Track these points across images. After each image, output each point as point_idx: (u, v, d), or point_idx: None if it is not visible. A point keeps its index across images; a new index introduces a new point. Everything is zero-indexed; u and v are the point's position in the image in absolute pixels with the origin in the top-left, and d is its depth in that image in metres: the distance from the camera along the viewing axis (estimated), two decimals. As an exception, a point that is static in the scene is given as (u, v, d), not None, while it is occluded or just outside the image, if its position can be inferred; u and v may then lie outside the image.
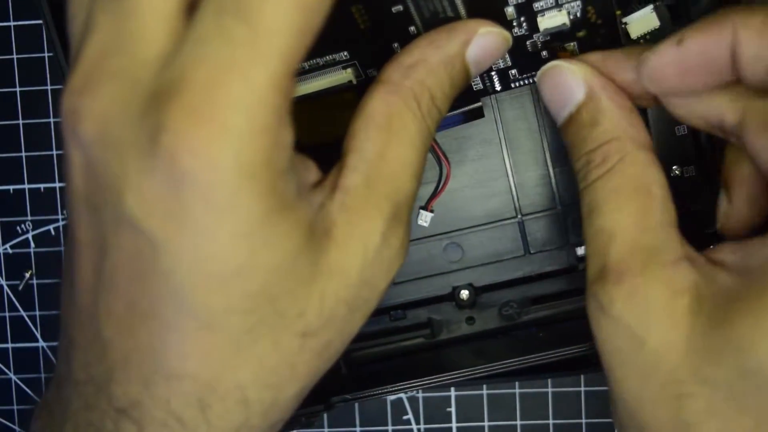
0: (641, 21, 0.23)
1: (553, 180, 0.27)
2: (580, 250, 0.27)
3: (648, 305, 0.18)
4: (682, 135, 0.26)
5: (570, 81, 0.20)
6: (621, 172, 0.19)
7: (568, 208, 0.27)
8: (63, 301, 0.19)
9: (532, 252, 0.27)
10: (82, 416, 0.18)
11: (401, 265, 0.19)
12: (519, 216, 0.27)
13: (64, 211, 0.37)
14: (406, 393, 0.35)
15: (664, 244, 0.18)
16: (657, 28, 0.24)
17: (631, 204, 0.19)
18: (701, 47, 0.18)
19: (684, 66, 0.18)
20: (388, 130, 0.19)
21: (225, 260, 0.16)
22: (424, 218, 0.27)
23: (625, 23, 0.23)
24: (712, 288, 0.17)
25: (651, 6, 0.23)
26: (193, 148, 0.15)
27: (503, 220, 0.27)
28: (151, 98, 0.15)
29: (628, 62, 0.20)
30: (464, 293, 0.27)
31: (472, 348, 0.27)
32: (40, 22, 0.36)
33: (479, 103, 0.25)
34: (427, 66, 0.19)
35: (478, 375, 0.25)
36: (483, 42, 0.20)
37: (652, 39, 0.23)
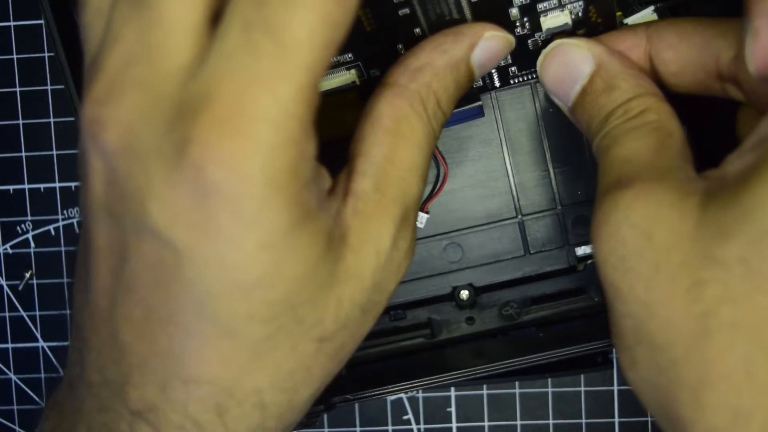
0: (642, 20, 0.23)
1: (553, 180, 0.27)
2: (580, 251, 0.27)
3: (657, 204, 0.17)
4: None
5: (576, 55, 0.20)
6: (642, 117, 0.19)
7: (568, 209, 0.27)
8: (76, 304, 0.19)
9: (532, 252, 0.27)
10: (96, 418, 0.18)
11: (408, 266, 0.20)
12: (519, 216, 0.27)
13: (64, 212, 0.37)
14: (406, 393, 0.35)
15: (679, 168, 0.18)
16: None
17: (650, 138, 0.18)
18: None
19: None
20: (396, 134, 0.19)
21: (249, 269, 0.16)
22: (420, 220, 0.27)
23: (626, 23, 0.23)
24: (724, 183, 0.16)
25: (652, 7, 0.23)
26: (222, 161, 0.15)
27: (503, 221, 0.27)
28: (177, 110, 0.15)
29: (629, 39, 0.20)
30: (464, 293, 0.27)
31: (472, 348, 0.27)
32: (40, 22, 0.36)
33: (479, 102, 0.25)
34: (433, 69, 0.20)
35: (477, 375, 0.25)
36: (488, 45, 0.20)
37: None
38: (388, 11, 0.21)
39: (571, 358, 0.25)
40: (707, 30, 0.20)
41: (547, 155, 0.27)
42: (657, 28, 0.20)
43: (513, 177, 0.27)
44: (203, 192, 0.15)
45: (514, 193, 0.27)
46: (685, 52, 0.20)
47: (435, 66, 0.20)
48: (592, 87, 0.20)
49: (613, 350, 0.32)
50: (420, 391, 0.36)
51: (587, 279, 0.27)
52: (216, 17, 0.16)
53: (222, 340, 0.17)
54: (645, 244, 0.17)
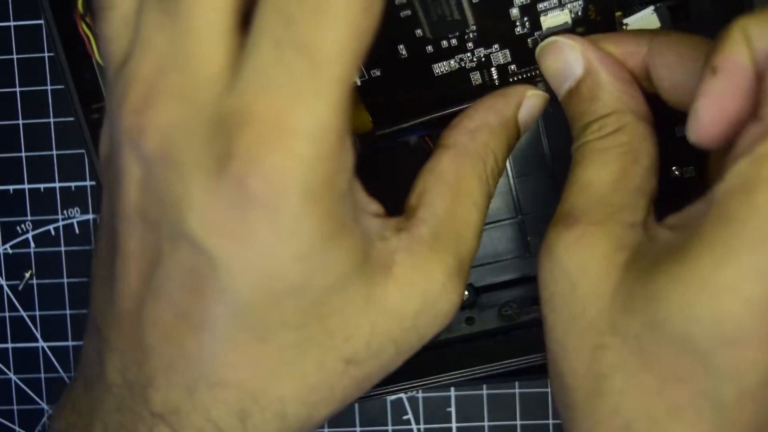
0: (642, 22, 0.23)
1: (553, 179, 0.27)
2: None
3: (589, 253, 0.18)
4: (681, 136, 0.26)
5: (569, 56, 0.21)
6: (614, 138, 0.20)
7: None
8: (96, 305, 0.19)
9: (532, 252, 0.27)
10: (114, 418, 0.18)
11: (451, 321, 0.20)
12: (519, 216, 0.27)
13: (64, 212, 0.37)
14: (405, 393, 0.35)
15: (630, 207, 0.19)
16: (658, 28, 0.24)
17: (614, 164, 0.19)
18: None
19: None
20: (457, 191, 0.20)
21: (284, 278, 0.16)
22: None
23: (626, 24, 0.23)
24: (653, 247, 0.18)
25: (652, 7, 0.23)
26: (264, 175, 0.15)
27: (504, 220, 0.27)
28: (217, 122, 0.16)
29: (631, 44, 0.21)
30: (464, 293, 0.27)
31: (471, 348, 0.27)
32: (40, 22, 0.36)
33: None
34: (490, 129, 0.21)
35: (477, 375, 0.25)
36: (530, 104, 0.22)
37: None
38: (389, 12, 0.21)
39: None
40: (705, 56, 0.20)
41: (547, 153, 0.27)
42: (659, 42, 0.20)
43: (513, 177, 0.27)
44: (243, 204, 0.15)
45: (514, 193, 0.27)
46: (680, 77, 0.20)
47: (491, 126, 0.21)
48: (578, 91, 0.21)
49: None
50: (420, 391, 0.36)
51: None
52: (244, 20, 0.16)
53: (252, 345, 0.17)
54: (570, 293, 0.18)
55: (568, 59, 0.21)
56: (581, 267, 0.18)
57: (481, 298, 0.28)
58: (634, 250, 0.18)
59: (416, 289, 0.18)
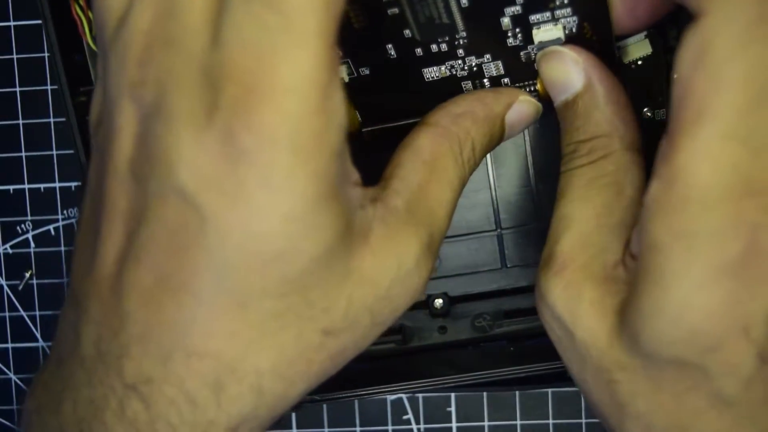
0: (635, 47, 0.23)
1: (534, 196, 0.27)
2: None
3: (578, 302, 0.19)
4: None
5: (570, 68, 0.21)
6: (600, 167, 0.20)
7: (548, 225, 0.27)
8: (77, 274, 0.19)
9: (508, 266, 0.27)
10: (83, 393, 0.17)
11: (420, 295, 0.20)
12: (498, 229, 0.27)
13: (64, 212, 0.37)
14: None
15: (614, 245, 0.19)
16: (650, 54, 0.24)
17: (597, 198, 0.20)
18: None
19: None
20: (433, 168, 0.20)
21: (272, 241, 0.16)
22: None
23: (619, 47, 0.23)
24: (628, 279, 0.18)
25: (644, 33, 0.23)
26: (251, 127, 0.15)
27: (482, 232, 0.27)
28: (204, 73, 0.16)
29: None
30: (438, 302, 0.27)
31: (442, 357, 0.27)
32: (40, 22, 0.36)
33: None
34: (474, 117, 0.21)
35: (447, 385, 0.25)
36: (521, 108, 0.22)
37: (645, 65, 0.24)
38: (376, 9, 0.20)
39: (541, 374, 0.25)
40: None
41: (531, 171, 0.27)
42: None
43: (495, 190, 0.27)
44: (233, 158, 0.15)
45: (495, 205, 0.27)
46: None
47: (475, 115, 0.21)
48: (574, 106, 0.21)
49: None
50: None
51: None
52: None
53: (232, 312, 0.17)
54: (570, 339, 0.19)
55: (569, 71, 0.21)
56: (573, 316, 0.19)
57: (455, 308, 0.28)
58: (619, 289, 0.18)
59: (392, 258, 0.18)
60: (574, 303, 0.19)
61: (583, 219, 0.20)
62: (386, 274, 0.18)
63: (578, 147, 0.20)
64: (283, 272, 0.16)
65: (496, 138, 0.22)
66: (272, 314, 0.17)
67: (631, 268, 0.18)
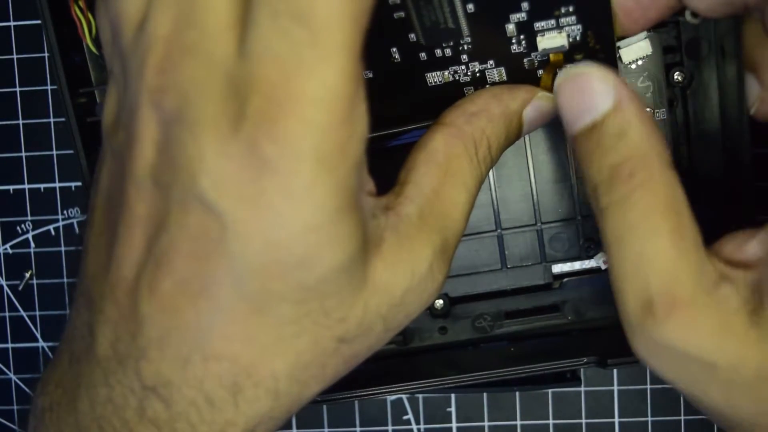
0: (634, 47, 0.23)
1: (534, 198, 0.27)
2: (557, 268, 0.27)
3: (708, 333, 0.18)
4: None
5: (598, 87, 0.20)
6: (653, 192, 0.19)
7: (548, 226, 0.27)
8: (91, 275, 0.19)
9: (508, 266, 0.27)
10: (101, 392, 0.18)
11: (434, 300, 0.20)
12: (498, 230, 0.27)
13: (64, 212, 0.37)
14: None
15: (702, 268, 0.18)
16: (649, 54, 0.24)
17: (665, 225, 0.18)
18: None
19: None
20: (447, 170, 0.20)
21: (292, 250, 0.16)
22: None
23: (619, 47, 0.23)
24: (757, 294, 0.18)
25: (644, 33, 0.23)
26: (276, 138, 0.15)
27: (482, 233, 0.27)
28: (230, 83, 0.16)
29: None
30: (438, 302, 0.28)
31: (443, 358, 0.27)
32: (40, 22, 0.36)
33: None
34: (489, 116, 0.21)
35: (446, 385, 0.25)
36: (539, 105, 0.21)
37: (645, 64, 0.24)
38: (382, 12, 0.20)
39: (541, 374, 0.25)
40: None
41: (531, 172, 0.27)
42: None
43: (495, 190, 0.27)
44: (256, 167, 0.15)
45: (495, 206, 0.27)
46: None
47: (491, 113, 0.21)
48: (604, 127, 0.19)
49: (582, 369, 0.33)
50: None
51: (562, 297, 0.28)
52: None
53: (250, 317, 0.17)
54: (711, 371, 0.18)
55: (597, 90, 0.20)
56: (710, 349, 0.18)
57: (455, 308, 0.28)
58: (745, 308, 0.18)
59: (404, 266, 0.18)
60: (705, 339, 0.18)
61: (662, 252, 0.18)
62: (400, 283, 0.18)
63: (615, 171, 0.19)
64: (302, 280, 0.17)
65: (513, 135, 0.21)
66: (289, 320, 0.17)
67: (739, 278, 0.18)
